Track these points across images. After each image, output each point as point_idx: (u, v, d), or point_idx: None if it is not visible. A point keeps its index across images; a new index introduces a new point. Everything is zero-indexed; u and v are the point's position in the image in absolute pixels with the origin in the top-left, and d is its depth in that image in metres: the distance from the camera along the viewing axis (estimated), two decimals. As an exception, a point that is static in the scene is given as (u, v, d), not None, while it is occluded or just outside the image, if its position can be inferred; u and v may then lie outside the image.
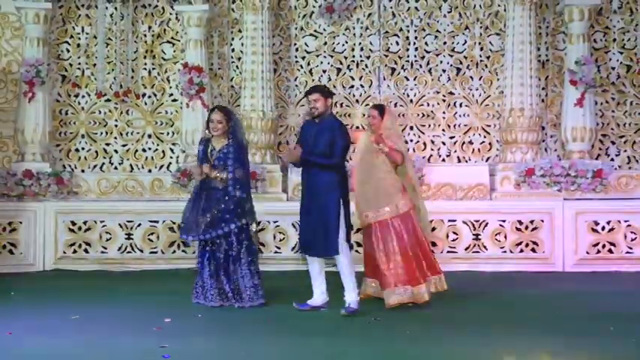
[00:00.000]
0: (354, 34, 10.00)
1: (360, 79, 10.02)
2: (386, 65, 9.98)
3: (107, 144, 10.04)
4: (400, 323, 6.10)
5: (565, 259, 9.04)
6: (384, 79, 9.98)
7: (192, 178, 9.34)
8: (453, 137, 9.91)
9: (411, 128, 9.93)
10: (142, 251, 9.39)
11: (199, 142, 6.99)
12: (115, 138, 10.05)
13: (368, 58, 10.00)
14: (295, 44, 10.06)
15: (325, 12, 9.93)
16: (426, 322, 6.20)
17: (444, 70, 9.94)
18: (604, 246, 9.07)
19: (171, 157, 10.02)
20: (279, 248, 9.28)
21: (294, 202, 9.18)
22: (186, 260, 9.27)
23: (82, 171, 9.90)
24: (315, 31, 10.06)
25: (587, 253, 9.06)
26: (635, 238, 9.05)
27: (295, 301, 6.72)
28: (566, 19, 9.47)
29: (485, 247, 9.12)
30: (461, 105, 9.93)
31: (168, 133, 10.07)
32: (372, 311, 6.51)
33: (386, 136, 6.91)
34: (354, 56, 10.02)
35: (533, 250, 9.10)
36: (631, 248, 9.05)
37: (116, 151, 10.04)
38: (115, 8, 9.92)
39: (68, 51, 10.05)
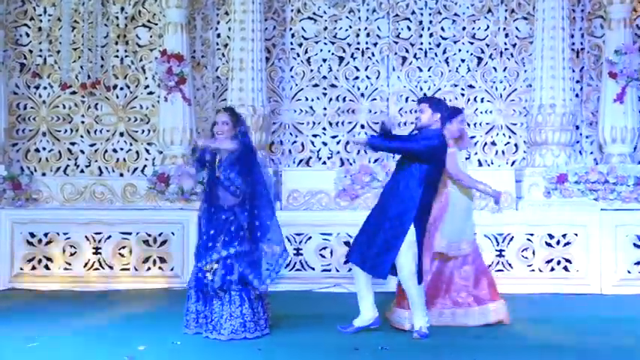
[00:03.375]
0: (359, 18, 9.99)
1: (366, 69, 9.99)
2: (396, 54, 9.97)
3: (72, 143, 10.03)
4: (409, 353, 6.10)
5: (603, 279, 9.01)
6: (394, 69, 9.97)
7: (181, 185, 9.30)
8: (473, 137, 9.87)
9: (425, 127, 9.88)
10: (111, 268, 9.35)
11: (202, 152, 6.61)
12: (82, 136, 10.02)
13: (375, 45, 9.99)
14: (291, 29, 10.04)
15: (326, -8, 9.95)
16: (437, 351, 6.17)
17: (462, 60, 9.95)
18: (648, 264, 9.05)
19: (146, 159, 9.99)
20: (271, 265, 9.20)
21: (288, 212, 9.16)
22: (164, 279, 9.26)
23: (43, 174, 9.88)
24: (314, 13, 10.05)
25: (629, 272, 9.04)
26: (684, 255, 9.03)
27: (340, 324, 6.78)
28: (605, 1, 9.47)
29: (509, 264, 9.08)
30: (482, 100, 9.93)
31: (143, 131, 10.04)
32: (379, 340, 6.47)
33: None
34: (358, 43, 10.01)
35: (565, 268, 9.06)
36: (679, 267, 9.03)
37: (83, 152, 10.01)
38: (83, -14, 9.93)
39: (28, 35, 10.04)
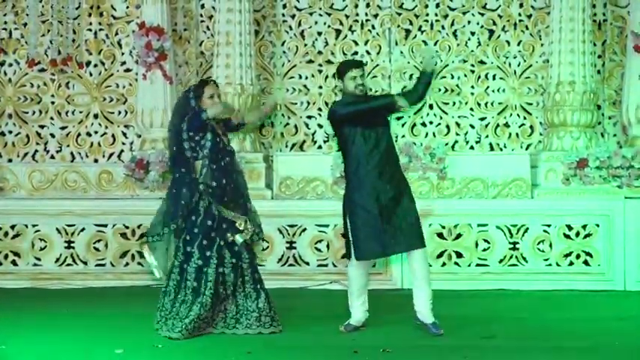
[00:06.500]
0: (359, -14, 10.02)
1: (366, 43, 10.02)
2: (399, 26, 9.99)
3: (41, 126, 10.06)
4: (413, 355, 6.16)
5: (627, 274, 9.02)
6: (396, 43, 9.98)
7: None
8: (484, 118, 9.92)
9: (431, 107, 9.93)
10: (85, 264, 9.38)
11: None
12: (52, 118, 10.05)
13: (376, 17, 10.01)
14: (282, -1, 10.07)
15: (321, -43, 9.97)
16: (442, 353, 6.22)
17: (472, 33, 9.96)
18: (677, 258, 9.09)
19: (123, 144, 10.02)
20: (263, 260, 9.25)
21: (280, 201, 9.21)
22: (143, 275, 9.25)
23: (9, 160, 9.93)
24: (309, -19, 10.07)
25: (656, 266, 9.08)
26: None
27: (339, 324, 6.94)
28: (630, -33, 9.51)
29: (524, 258, 9.11)
30: (494, 77, 9.95)
31: (119, 113, 10.06)
32: (381, 341, 6.53)
33: None
34: (357, 14, 10.02)
35: (585, 262, 9.09)
36: None
37: (53, 136, 10.04)
38: (52, -49, 9.93)
39: (-9, 6, 10.07)
